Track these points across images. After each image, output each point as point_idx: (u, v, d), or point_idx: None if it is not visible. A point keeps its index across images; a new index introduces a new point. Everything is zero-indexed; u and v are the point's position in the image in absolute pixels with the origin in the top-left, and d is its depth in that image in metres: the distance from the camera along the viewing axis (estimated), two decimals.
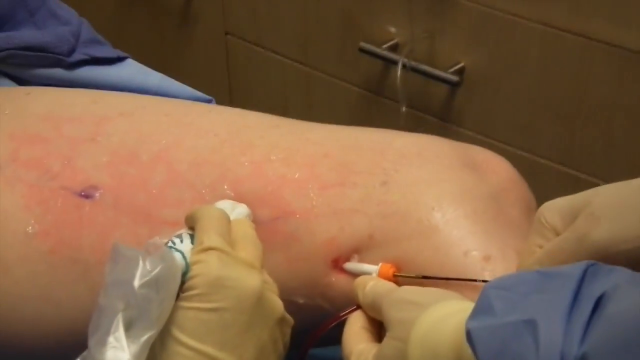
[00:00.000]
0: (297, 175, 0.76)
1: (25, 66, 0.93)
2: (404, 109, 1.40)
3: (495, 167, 0.81)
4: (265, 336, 0.63)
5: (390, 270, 0.73)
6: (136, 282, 0.58)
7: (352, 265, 0.75)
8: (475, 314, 0.54)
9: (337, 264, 0.75)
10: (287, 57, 1.59)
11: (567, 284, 0.52)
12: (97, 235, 0.73)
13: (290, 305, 0.73)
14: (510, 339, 0.51)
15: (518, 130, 1.38)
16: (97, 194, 0.75)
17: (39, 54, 0.92)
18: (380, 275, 0.72)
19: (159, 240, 0.64)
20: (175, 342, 0.60)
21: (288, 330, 0.66)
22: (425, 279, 0.72)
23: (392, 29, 1.44)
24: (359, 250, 0.75)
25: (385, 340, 0.62)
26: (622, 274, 0.53)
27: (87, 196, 0.75)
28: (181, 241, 0.64)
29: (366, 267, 0.74)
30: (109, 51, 0.97)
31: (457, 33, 1.38)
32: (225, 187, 0.75)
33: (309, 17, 1.53)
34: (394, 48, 1.44)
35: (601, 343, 0.48)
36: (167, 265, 0.59)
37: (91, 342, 0.57)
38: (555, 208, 0.65)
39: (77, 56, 0.94)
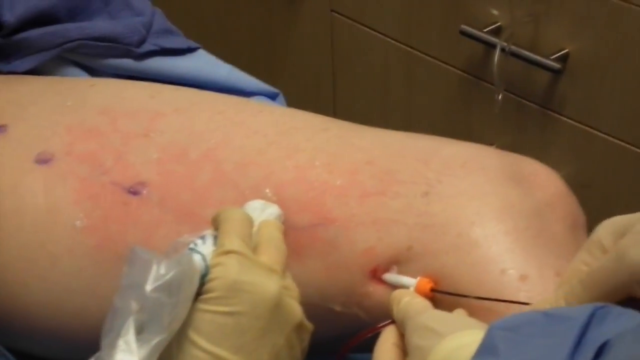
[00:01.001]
0: (338, 182, 0.78)
1: (95, 56, 0.98)
2: (499, 96, 1.39)
3: (544, 181, 0.80)
4: (281, 342, 0.66)
5: (427, 285, 0.73)
6: (148, 286, 0.61)
7: (390, 276, 0.76)
8: (479, 353, 0.55)
9: (375, 274, 0.77)
10: (390, 36, 1.60)
11: (572, 328, 0.52)
12: (141, 233, 0.78)
13: (326, 312, 0.76)
14: None
15: (623, 121, 1.35)
16: (144, 191, 0.79)
17: (109, 44, 0.96)
18: (417, 289, 0.73)
19: (187, 239, 0.68)
20: (191, 345, 0.64)
21: (306, 336, 0.69)
22: (462, 297, 0.72)
23: (495, 12, 1.43)
24: (397, 262, 0.76)
25: None
26: (632, 319, 0.52)
27: (134, 192, 0.79)
28: (204, 242, 0.67)
29: (404, 279, 0.75)
30: (180, 42, 1.01)
31: (562, 18, 1.36)
32: (268, 190, 0.78)
33: None
34: (496, 31, 1.43)
35: None
36: (182, 269, 0.63)
37: (103, 344, 0.61)
38: (609, 225, 0.63)
39: (147, 47, 0.98)
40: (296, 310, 0.67)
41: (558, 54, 1.37)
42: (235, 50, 1.90)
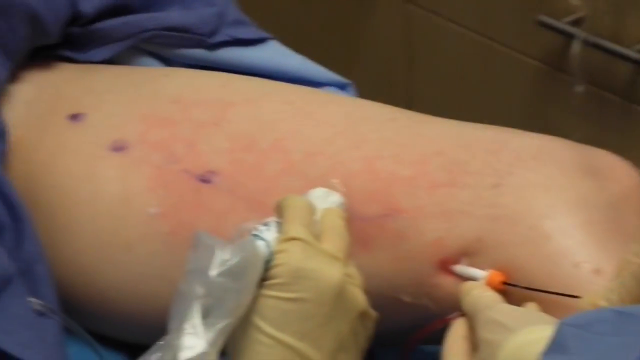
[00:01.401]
0: (407, 173, 0.80)
1: (169, 46, 1.01)
2: (578, 88, 1.39)
3: (619, 173, 0.80)
4: (345, 329, 0.69)
5: (498, 278, 0.75)
6: (212, 271, 0.64)
7: (460, 268, 0.78)
8: (549, 351, 0.56)
9: (444, 265, 0.78)
10: (466, 27, 1.60)
11: None
12: (213, 220, 0.81)
13: (395, 302, 0.78)
14: None
15: None
16: (215, 179, 0.82)
17: (182, 34, 0.99)
18: (488, 282, 0.75)
19: (251, 225, 0.70)
20: (255, 330, 0.67)
21: (370, 324, 0.71)
22: (533, 291, 0.73)
23: (576, 1, 1.42)
24: (467, 253, 0.78)
25: None
26: None
27: (206, 181, 0.82)
28: (268, 229, 0.70)
29: (475, 272, 0.77)
30: (251, 32, 1.03)
31: None
32: (336, 180, 0.80)
33: None
34: (577, 22, 1.42)
35: None
36: (246, 255, 0.65)
37: (170, 327, 0.63)
38: None
39: (219, 37, 1.01)
40: (359, 298, 0.70)
41: None
42: (308, 42, 1.92)
